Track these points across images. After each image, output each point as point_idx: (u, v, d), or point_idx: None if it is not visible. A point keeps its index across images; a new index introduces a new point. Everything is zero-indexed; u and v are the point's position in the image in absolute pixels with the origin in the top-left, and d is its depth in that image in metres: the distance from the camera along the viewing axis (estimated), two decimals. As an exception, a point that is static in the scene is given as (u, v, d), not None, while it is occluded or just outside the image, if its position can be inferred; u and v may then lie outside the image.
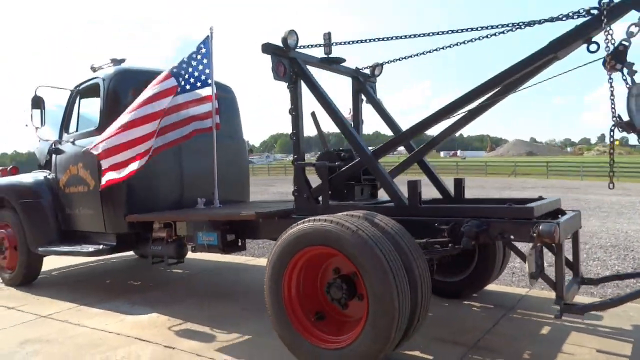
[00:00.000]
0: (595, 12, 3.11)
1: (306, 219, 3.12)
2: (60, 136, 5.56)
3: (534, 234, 2.90)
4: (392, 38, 3.97)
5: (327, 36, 4.24)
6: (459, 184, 4.28)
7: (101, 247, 4.96)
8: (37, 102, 5.37)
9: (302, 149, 4.04)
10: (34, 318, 4.54)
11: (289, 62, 3.92)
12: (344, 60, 4.48)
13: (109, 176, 4.50)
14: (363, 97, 4.96)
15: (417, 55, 4.25)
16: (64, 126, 5.53)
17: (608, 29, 3.06)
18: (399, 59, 4.50)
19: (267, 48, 3.80)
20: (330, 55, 4.30)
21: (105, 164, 4.49)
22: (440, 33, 3.65)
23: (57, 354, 3.62)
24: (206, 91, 5.02)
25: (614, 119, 2.86)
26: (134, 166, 4.38)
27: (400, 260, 2.86)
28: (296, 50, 4.00)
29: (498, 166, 38.34)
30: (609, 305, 3.15)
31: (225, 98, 5.80)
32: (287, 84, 3.94)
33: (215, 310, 4.52)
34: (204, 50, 4.99)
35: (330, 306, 3.21)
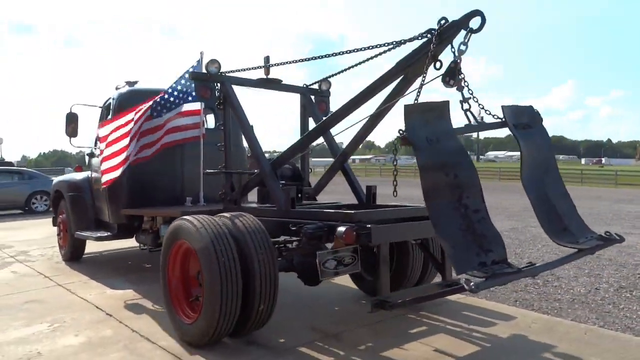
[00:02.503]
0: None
1: (180, 217, 3.86)
2: (95, 143, 6.91)
3: (334, 236, 3.32)
4: (324, 56, 4.49)
5: (266, 59, 4.91)
6: (369, 190, 4.65)
7: (106, 234, 6.15)
8: (72, 117, 6.75)
9: (229, 159, 4.76)
10: (52, 285, 5.86)
11: (215, 86, 4.66)
12: (280, 81, 5.09)
13: (105, 177, 5.64)
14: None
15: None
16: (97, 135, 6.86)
17: (450, 47, 3.38)
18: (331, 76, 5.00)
19: (193, 75, 4.59)
20: (268, 77, 4.96)
21: (103, 166, 5.63)
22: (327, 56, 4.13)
23: (36, 310, 4.80)
24: (195, 105, 5.94)
25: (399, 131, 3.11)
26: (117, 173, 5.44)
27: (233, 253, 3.45)
28: (227, 74, 4.72)
29: (633, 176, 34.33)
30: (416, 301, 3.36)
31: None
32: (216, 104, 4.69)
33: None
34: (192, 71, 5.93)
35: (200, 290, 3.91)
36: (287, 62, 4.75)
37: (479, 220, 2.96)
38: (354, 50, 3.94)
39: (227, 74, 4.73)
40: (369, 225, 3.33)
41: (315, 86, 5.42)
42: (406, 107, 3.04)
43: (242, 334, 3.80)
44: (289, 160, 4.51)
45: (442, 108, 3.15)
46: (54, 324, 4.39)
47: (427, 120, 3.04)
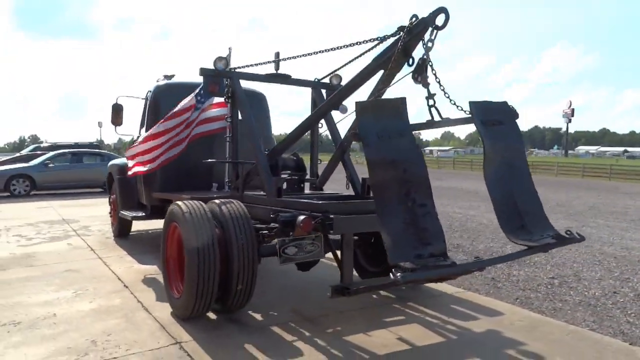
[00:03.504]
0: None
1: (175, 202, 4.23)
2: (143, 129, 7.52)
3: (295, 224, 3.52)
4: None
5: (277, 55, 5.17)
6: (364, 182, 4.78)
7: (141, 214, 6.73)
8: (117, 108, 7.38)
9: (236, 150, 5.08)
10: (93, 258, 6.55)
11: (224, 81, 4.98)
12: (289, 76, 5.31)
13: (135, 169, 6.18)
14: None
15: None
16: (141, 124, 7.47)
17: (426, 44, 3.47)
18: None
19: (202, 71, 4.93)
20: (278, 72, 5.21)
21: (132, 161, 6.17)
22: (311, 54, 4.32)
23: (69, 278, 5.43)
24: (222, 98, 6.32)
25: (352, 131, 3.24)
26: (144, 168, 5.95)
27: (212, 237, 3.77)
28: (235, 70, 5.03)
29: None
30: (376, 288, 3.47)
31: (254, 103, 7.03)
32: (224, 98, 5.02)
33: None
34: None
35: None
36: (290, 58, 4.96)
37: (424, 215, 3.04)
38: (337, 48, 4.09)
39: (235, 70, 5.03)
40: (332, 216, 3.51)
41: (327, 80, 5.59)
42: (358, 104, 3.17)
43: (226, 312, 4.13)
44: (284, 152, 4.74)
45: (398, 105, 3.24)
46: (78, 291, 4.97)
47: (380, 117, 3.14)
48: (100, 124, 40.35)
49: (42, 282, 5.31)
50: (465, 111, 3.49)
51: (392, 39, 3.70)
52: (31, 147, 27.04)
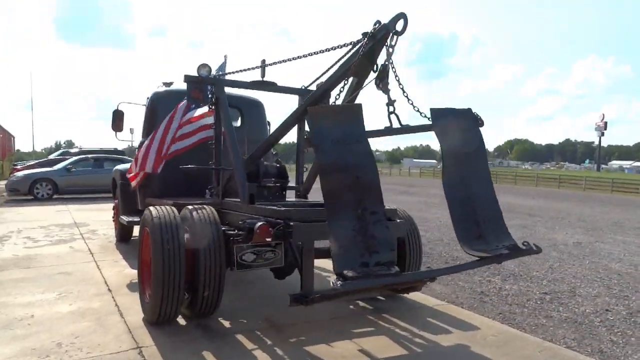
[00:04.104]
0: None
1: (147, 208, 4.28)
2: (142, 136, 7.66)
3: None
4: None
5: (262, 62, 5.20)
6: None
7: (137, 219, 6.82)
8: (118, 114, 7.53)
9: (219, 156, 5.12)
10: (89, 261, 6.68)
11: (207, 87, 5.03)
12: (275, 84, 5.34)
13: (136, 180, 6.29)
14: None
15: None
16: (142, 130, 7.60)
17: (389, 50, 3.46)
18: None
19: (186, 78, 5.00)
20: (264, 79, 5.24)
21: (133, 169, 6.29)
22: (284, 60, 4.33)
23: (58, 281, 5.55)
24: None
25: (305, 133, 3.22)
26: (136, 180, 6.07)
27: (178, 242, 3.79)
28: (219, 77, 5.09)
29: None
30: (335, 297, 3.41)
31: (253, 110, 7.09)
32: (208, 105, 5.07)
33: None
34: (219, 73, 6.39)
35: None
36: (274, 63, 4.98)
37: (374, 222, 3.00)
38: (314, 53, 4.10)
39: (219, 77, 5.08)
40: (292, 224, 3.49)
41: (313, 87, 5.59)
42: (310, 109, 3.16)
43: (196, 317, 4.14)
44: (261, 157, 4.75)
45: (354, 111, 3.22)
46: (62, 293, 5.07)
47: (334, 123, 3.12)
48: (132, 130, 41.21)
49: (32, 284, 5.43)
50: (428, 118, 3.45)
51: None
52: (59, 151, 27.86)
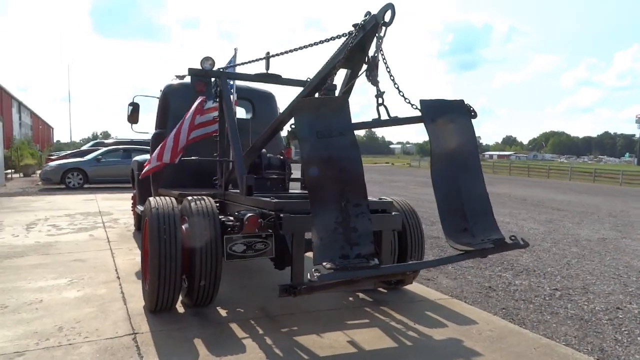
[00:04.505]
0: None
1: (149, 198, 4.38)
2: (155, 128, 7.81)
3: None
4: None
5: (267, 54, 5.22)
6: None
7: (151, 209, 6.98)
8: (134, 106, 7.68)
9: (223, 148, 5.18)
10: (104, 249, 6.88)
11: (211, 80, 5.08)
12: (279, 76, 5.34)
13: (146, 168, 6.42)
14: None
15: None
16: (156, 121, 7.75)
17: (379, 42, 3.43)
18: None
19: (190, 71, 5.06)
20: (268, 72, 5.26)
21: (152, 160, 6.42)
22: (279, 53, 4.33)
23: (72, 267, 5.74)
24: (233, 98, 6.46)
25: (290, 126, 3.19)
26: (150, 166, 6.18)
27: (175, 232, 3.86)
28: (223, 70, 5.13)
29: None
30: (315, 290, 3.41)
31: (264, 102, 7.13)
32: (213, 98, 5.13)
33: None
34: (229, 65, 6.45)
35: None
36: (276, 55, 4.98)
37: (356, 215, 2.99)
38: (307, 46, 4.08)
39: (223, 70, 5.12)
40: (282, 215, 3.51)
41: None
42: (297, 102, 3.16)
43: (195, 306, 4.22)
44: (261, 149, 4.78)
45: (339, 103, 3.21)
46: (73, 280, 5.24)
47: (320, 115, 3.12)
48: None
49: (47, 270, 5.64)
50: (419, 109, 3.40)
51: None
52: (91, 142, 28.67)
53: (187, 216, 4.06)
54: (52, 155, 25.52)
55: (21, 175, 26.30)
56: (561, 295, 5.40)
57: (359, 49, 3.55)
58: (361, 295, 4.84)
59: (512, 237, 3.14)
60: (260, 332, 3.79)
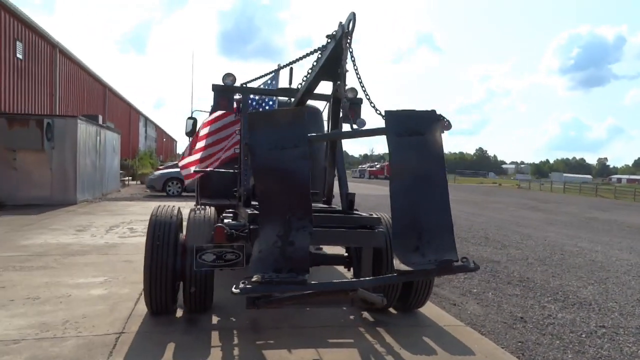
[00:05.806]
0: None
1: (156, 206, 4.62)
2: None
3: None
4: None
5: (290, 70, 5.33)
6: (347, 197, 4.60)
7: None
8: (192, 120, 8.13)
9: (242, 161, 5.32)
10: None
11: (232, 96, 5.26)
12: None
13: (187, 175, 6.83)
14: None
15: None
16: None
17: (345, 52, 3.39)
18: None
19: (214, 87, 5.27)
20: (290, 86, 5.35)
21: (185, 171, 6.83)
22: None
23: (117, 268, 6.21)
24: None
25: (245, 139, 3.19)
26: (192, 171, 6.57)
27: (169, 239, 4.04)
28: (245, 86, 5.28)
29: None
30: (284, 302, 3.33)
31: (310, 117, 7.22)
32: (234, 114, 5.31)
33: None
34: (273, 82, 6.66)
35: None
36: (285, 66, 5.01)
37: (297, 229, 2.93)
38: (295, 61, 4.09)
39: (245, 85, 5.28)
40: (251, 227, 3.53)
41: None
42: (250, 115, 3.18)
43: (191, 312, 4.36)
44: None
45: (295, 115, 3.16)
46: (109, 279, 5.68)
47: (272, 128, 3.10)
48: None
49: (94, 268, 6.17)
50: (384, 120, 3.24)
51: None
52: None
53: (188, 224, 4.22)
54: (161, 166, 27.84)
55: (138, 182, 28.97)
56: (604, 333, 4.75)
57: (332, 58, 3.48)
58: (365, 314, 4.66)
59: (464, 259, 2.86)
60: (235, 342, 3.81)
